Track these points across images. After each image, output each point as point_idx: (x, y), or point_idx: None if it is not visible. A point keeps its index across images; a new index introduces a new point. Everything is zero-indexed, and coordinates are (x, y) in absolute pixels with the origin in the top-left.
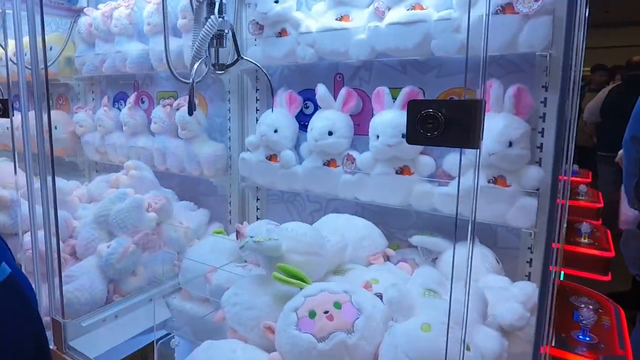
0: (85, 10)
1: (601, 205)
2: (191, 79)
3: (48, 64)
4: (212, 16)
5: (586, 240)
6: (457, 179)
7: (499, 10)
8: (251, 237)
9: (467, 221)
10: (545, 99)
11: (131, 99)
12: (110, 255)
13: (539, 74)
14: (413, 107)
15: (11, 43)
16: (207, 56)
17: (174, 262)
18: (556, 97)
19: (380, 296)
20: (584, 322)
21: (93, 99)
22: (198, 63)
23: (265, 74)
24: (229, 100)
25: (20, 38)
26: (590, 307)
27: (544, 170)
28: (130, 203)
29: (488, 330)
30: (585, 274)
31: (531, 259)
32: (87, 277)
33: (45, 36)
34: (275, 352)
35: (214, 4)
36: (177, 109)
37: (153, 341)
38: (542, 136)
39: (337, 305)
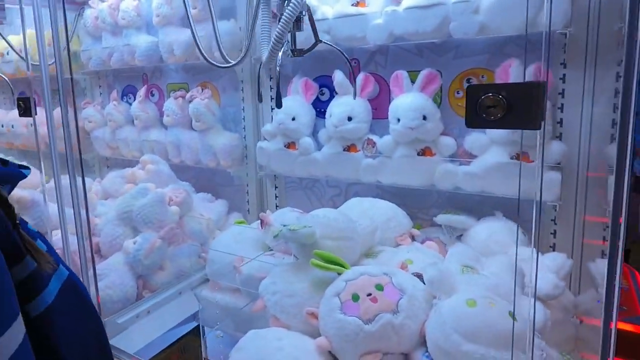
0: (90, 2)
1: None
2: (277, 69)
3: (50, 60)
4: (293, 1)
5: None
6: (480, 157)
7: None
8: (284, 225)
9: (492, 198)
10: (564, 75)
11: (141, 92)
12: (138, 251)
13: (557, 51)
14: (472, 92)
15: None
16: (287, 41)
17: (198, 254)
18: (574, 73)
19: (418, 276)
20: None
21: (100, 94)
22: (281, 50)
23: (346, 57)
24: (242, 90)
25: (41, 33)
26: None
27: (565, 145)
28: (153, 198)
29: (530, 300)
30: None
31: (555, 231)
32: (117, 275)
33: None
34: (321, 337)
35: None
36: (190, 101)
37: (188, 333)
38: (562, 112)
39: (379, 287)
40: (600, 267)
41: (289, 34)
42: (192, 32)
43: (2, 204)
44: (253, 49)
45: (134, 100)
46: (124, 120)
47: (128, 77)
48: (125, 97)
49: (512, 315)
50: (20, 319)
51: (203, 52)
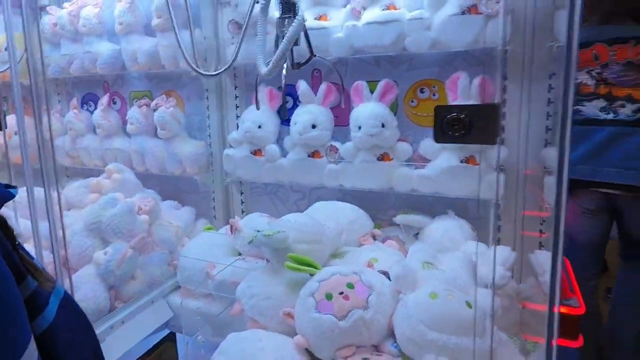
0: (47, 8)
1: None
2: (283, 82)
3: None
4: (297, 17)
5: None
6: (433, 161)
7: (465, 11)
8: (258, 231)
9: (445, 198)
10: (505, 86)
11: (103, 100)
12: (109, 262)
13: (498, 65)
14: (440, 111)
15: None
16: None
17: (168, 261)
18: (514, 85)
19: (383, 273)
20: None
21: (59, 101)
22: (286, 65)
23: (337, 71)
24: (207, 98)
25: (11, 38)
26: None
27: (507, 149)
28: (123, 208)
29: (483, 290)
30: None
31: (500, 226)
32: (89, 287)
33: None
34: (298, 335)
35: (291, 4)
36: (155, 109)
37: (164, 340)
38: (504, 119)
39: (350, 285)
40: (539, 257)
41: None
42: (177, 41)
43: (1, 226)
44: (220, 58)
45: (95, 108)
46: (85, 129)
47: (88, 84)
48: (85, 105)
49: (470, 304)
50: (32, 341)
51: (188, 59)
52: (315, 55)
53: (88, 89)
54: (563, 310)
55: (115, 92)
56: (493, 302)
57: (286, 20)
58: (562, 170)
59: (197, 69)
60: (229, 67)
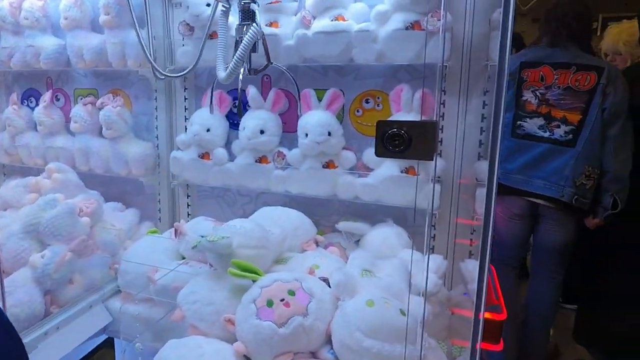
0: None
1: None
2: (239, 86)
3: None
4: (254, 25)
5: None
6: (376, 170)
7: (408, 27)
8: (202, 236)
9: (385, 206)
10: (444, 101)
11: (46, 96)
12: (47, 266)
13: (439, 79)
14: (381, 126)
15: None
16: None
17: (109, 265)
18: (452, 99)
19: (324, 280)
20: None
21: None
22: (243, 70)
23: (293, 78)
24: (155, 99)
25: None
26: None
27: (444, 161)
28: (63, 209)
29: (417, 298)
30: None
31: (435, 235)
32: (23, 291)
33: None
34: (238, 342)
35: (251, 12)
36: (101, 108)
37: (101, 346)
38: (442, 132)
39: (291, 292)
40: (468, 266)
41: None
42: (138, 38)
43: None
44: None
45: (37, 104)
46: (25, 126)
47: (30, 79)
48: (26, 100)
49: (403, 312)
50: None
51: (151, 59)
52: (272, 63)
53: (30, 84)
54: (487, 315)
55: (58, 88)
56: (425, 310)
57: (245, 27)
58: (492, 183)
59: (159, 69)
60: (192, 68)
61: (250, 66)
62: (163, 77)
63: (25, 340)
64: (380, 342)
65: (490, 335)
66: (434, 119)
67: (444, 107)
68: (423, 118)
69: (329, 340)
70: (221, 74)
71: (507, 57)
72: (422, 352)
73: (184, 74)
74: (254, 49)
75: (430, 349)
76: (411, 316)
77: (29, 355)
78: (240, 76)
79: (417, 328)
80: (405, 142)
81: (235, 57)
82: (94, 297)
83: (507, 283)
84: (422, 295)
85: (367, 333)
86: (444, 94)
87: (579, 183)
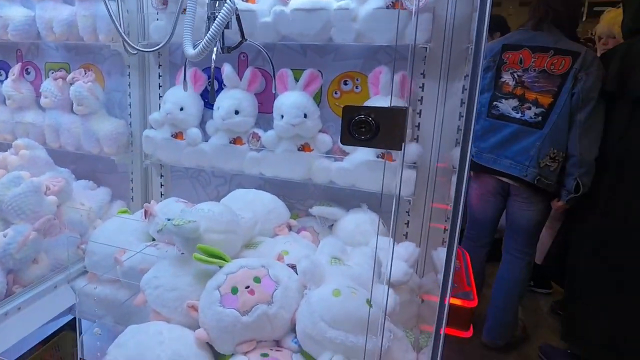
0: None
1: None
2: (212, 65)
3: None
4: (227, 2)
5: None
6: (352, 154)
7: (389, 5)
8: (168, 219)
9: (361, 192)
10: (423, 84)
11: (15, 69)
12: (9, 245)
13: (419, 62)
14: (347, 112)
15: None
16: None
17: (77, 245)
18: (432, 83)
19: (292, 267)
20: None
21: None
22: (216, 47)
23: (268, 56)
24: (129, 75)
25: None
26: None
27: (421, 146)
28: (27, 187)
29: (383, 287)
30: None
31: (408, 221)
32: None
33: None
34: (200, 329)
35: None
36: (72, 83)
37: (63, 329)
38: (420, 116)
39: (257, 279)
40: (440, 254)
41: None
42: (108, 11)
43: None
44: (145, 33)
45: (6, 77)
46: None
47: None
48: None
49: (369, 302)
50: None
51: (122, 33)
52: (246, 40)
53: None
54: (457, 302)
55: (29, 61)
56: (387, 302)
57: (217, 2)
58: (463, 171)
59: (131, 43)
60: (165, 44)
61: (223, 44)
62: (135, 52)
63: None
64: (344, 333)
65: (461, 322)
66: (412, 103)
67: (422, 90)
68: (400, 102)
69: (294, 329)
70: (189, 50)
71: (483, 40)
72: (382, 344)
73: (156, 49)
74: (227, 25)
75: (396, 339)
76: (378, 306)
77: None
78: (214, 55)
79: (381, 319)
80: (372, 129)
81: (208, 34)
82: (60, 277)
83: (476, 261)
84: (388, 284)
85: (331, 323)
86: (423, 77)
87: (543, 164)
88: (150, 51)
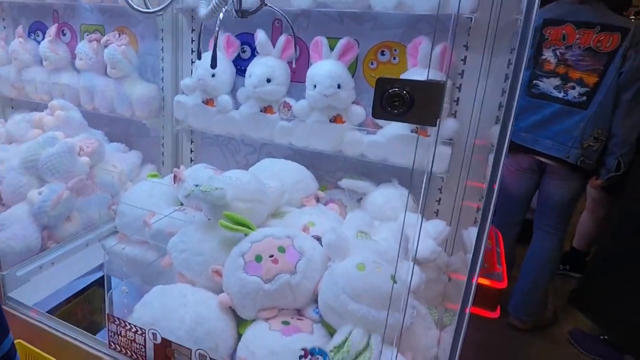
0: None
1: None
2: (216, 29)
3: None
4: None
5: None
6: (385, 128)
7: None
8: (197, 185)
9: (392, 166)
10: (465, 57)
11: (51, 30)
12: (44, 203)
13: (462, 33)
14: (381, 84)
15: None
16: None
17: (109, 206)
18: (474, 56)
19: (318, 238)
20: None
21: (5, 27)
22: (224, 9)
23: (291, 25)
24: (162, 39)
25: None
26: None
27: (459, 123)
28: (62, 147)
29: (409, 264)
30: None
31: (440, 198)
32: (20, 226)
33: None
34: (223, 294)
35: None
36: (106, 46)
37: (93, 285)
38: (459, 91)
39: (281, 249)
40: (471, 233)
41: None
42: None
43: None
44: None
45: (43, 38)
46: (32, 60)
47: (36, 12)
48: (32, 34)
49: (393, 278)
50: None
51: None
52: (265, 5)
53: (36, 17)
54: (486, 282)
55: (64, 23)
56: (411, 278)
57: None
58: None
59: (132, 4)
60: (167, 5)
61: (240, 6)
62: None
63: (18, 274)
64: (366, 307)
65: (488, 302)
66: (452, 76)
67: (464, 63)
68: (439, 76)
69: (316, 299)
70: (202, 11)
71: (534, 12)
72: (404, 320)
73: (158, 10)
74: None
75: (419, 316)
76: (402, 283)
77: (22, 287)
78: (221, 15)
79: (404, 295)
80: (406, 103)
81: None
82: (91, 236)
83: (507, 240)
84: (414, 261)
85: (353, 297)
86: (466, 50)
87: (586, 145)
88: (152, 12)
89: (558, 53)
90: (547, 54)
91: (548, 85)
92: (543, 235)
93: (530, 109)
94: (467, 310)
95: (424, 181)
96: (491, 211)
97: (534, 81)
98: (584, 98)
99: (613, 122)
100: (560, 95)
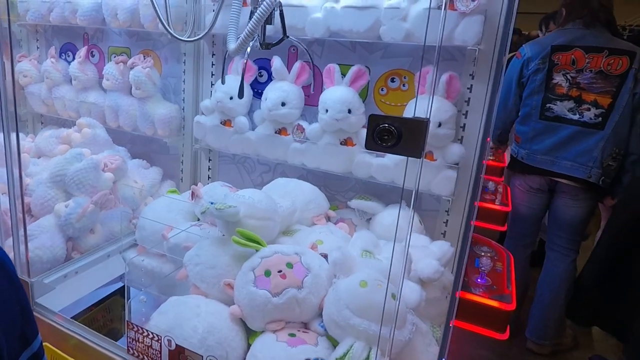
0: None
1: (505, 165)
2: (245, 61)
3: None
4: None
5: (489, 197)
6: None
7: (440, 6)
8: (211, 203)
9: (398, 187)
10: (472, 85)
11: (81, 52)
12: (70, 215)
13: (468, 63)
14: (373, 121)
15: None
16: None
17: (129, 219)
18: (480, 84)
19: (324, 256)
20: (483, 268)
21: (38, 48)
22: (251, 43)
23: (307, 51)
24: (184, 62)
25: None
26: (489, 255)
27: (465, 148)
28: (88, 164)
29: (411, 283)
30: (487, 225)
31: (447, 220)
32: (47, 236)
33: None
34: (234, 305)
35: None
36: (132, 68)
37: (114, 294)
38: (466, 118)
39: (289, 265)
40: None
41: (261, 27)
42: (153, 4)
43: None
44: (200, 24)
45: (73, 58)
46: (62, 79)
47: (68, 34)
48: (64, 54)
49: (394, 296)
50: None
51: (165, 24)
52: (287, 37)
53: (68, 39)
54: (494, 304)
55: (94, 45)
56: (399, 295)
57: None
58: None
59: (171, 31)
60: (205, 34)
61: (264, 39)
62: (179, 40)
63: (45, 281)
64: (367, 322)
65: (497, 324)
66: (459, 104)
67: (470, 92)
68: (449, 101)
69: (321, 314)
70: (231, 45)
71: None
72: (392, 334)
73: (195, 39)
74: (269, 21)
75: (419, 333)
76: (402, 301)
77: (49, 294)
78: (248, 49)
79: (406, 313)
80: (394, 137)
81: (246, 29)
82: (112, 248)
83: (520, 262)
84: (419, 280)
85: (355, 312)
86: (472, 79)
87: (605, 164)
88: (189, 41)
89: (569, 77)
90: (558, 78)
91: (562, 108)
92: (556, 257)
93: (545, 132)
94: (452, 324)
95: (412, 198)
96: (471, 227)
97: (547, 105)
98: (600, 119)
99: (631, 142)
100: (576, 117)
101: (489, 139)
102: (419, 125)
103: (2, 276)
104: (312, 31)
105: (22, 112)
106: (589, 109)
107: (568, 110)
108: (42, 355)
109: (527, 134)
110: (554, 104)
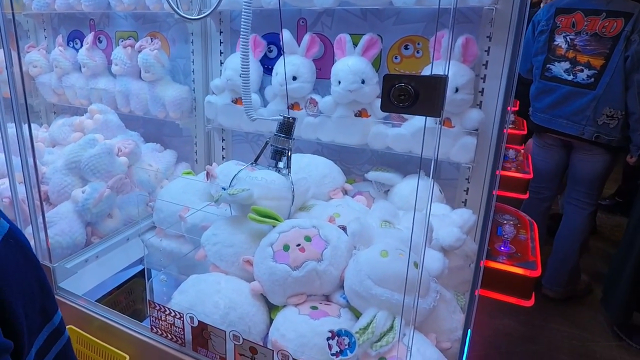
0: None
1: (525, 132)
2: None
3: None
4: None
5: (510, 165)
6: (409, 120)
7: None
8: (224, 189)
9: (416, 157)
10: (489, 48)
11: (88, 38)
12: (87, 201)
13: (484, 25)
14: (388, 80)
15: None
16: None
17: (146, 202)
18: (498, 47)
19: (343, 228)
20: (505, 236)
21: (45, 37)
22: None
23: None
24: (192, 42)
25: None
26: (511, 223)
27: (484, 113)
28: (101, 149)
29: (433, 252)
30: (508, 194)
31: (468, 188)
32: (66, 222)
33: None
34: (255, 281)
35: None
36: (140, 51)
37: (135, 276)
38: (484, 82)
39: (308, 238)
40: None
41: None
42: None
43: None
44: (205, 1)
45: (81, 46)
46: (71, 67)
47: (74, 22)
48: (71, 42)
49: (416, 265)
50: None
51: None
52: None
53: (74, 26)
54: (519, 271)
55: (100, 30)
56: (420, 266)
57: None
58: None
59: (177, 10)
60: (211, 11)
61: None
62: (186, 19)
63: (67, 266)
64: (389, 291)
65: (522, 291)
66: (476, 68)
67: (487, 54)
68: (466, 65)
69: (342, 285)
70: None
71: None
72: (416, 303)
73: (202, 17)
74: None
75: (443, 301)
76: (424, 270)
77: (71, 278)
78: None
79: (429, 281)
80: (411, 97)
81: None
82: (131, 231)
83: (538, 215)
84: (441, 248)
85: (377, 282)
86: (489, 41)
87: (601, 122)
88: (196, 19)
89: (568, 39)
90: (559, 40)
91: (559, 68)
92: (572, 209)
93: (544, 91)
94: (477, 293)
95: (432, 167)
96: (494, 197)
97: (547, 65)
98: (592, 80)
99: (628, 102)
100: (570, 77)
101: (509, 107)
102: (437, 83)
103: (17, 251)
104: (321, 1)
105: (34, 103)
106: (582, 70)
107: (564, 71)
108: (64, 330)
109: (532, 93)
110: (552, 65)
